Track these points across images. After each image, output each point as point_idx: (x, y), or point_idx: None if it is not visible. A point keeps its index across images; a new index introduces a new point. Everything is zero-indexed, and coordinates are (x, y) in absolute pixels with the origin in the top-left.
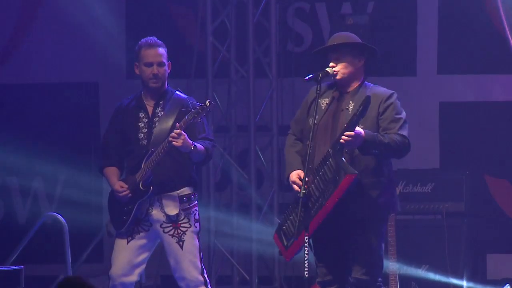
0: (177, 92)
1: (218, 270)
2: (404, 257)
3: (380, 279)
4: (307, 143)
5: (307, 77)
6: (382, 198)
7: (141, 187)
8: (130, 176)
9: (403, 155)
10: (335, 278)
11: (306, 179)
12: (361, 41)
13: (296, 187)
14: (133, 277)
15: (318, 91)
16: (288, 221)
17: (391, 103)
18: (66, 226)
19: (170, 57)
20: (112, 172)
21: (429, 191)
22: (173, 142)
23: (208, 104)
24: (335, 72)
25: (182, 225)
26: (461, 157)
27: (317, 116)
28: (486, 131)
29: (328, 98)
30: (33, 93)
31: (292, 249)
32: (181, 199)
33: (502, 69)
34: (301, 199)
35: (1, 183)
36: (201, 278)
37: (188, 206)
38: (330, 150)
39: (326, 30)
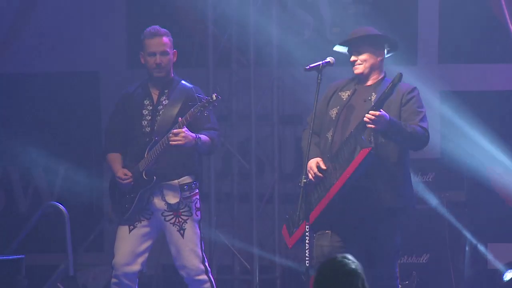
0: (183, 82)
1: (219, 260)
2: (405, 246)
3: (397, 269)
4: (327, 134)
5: (308, 66)
6: (405, 186)
7: (144, 176)
8: (133, 165)
9: (421, 147)
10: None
11: (324, 167)
12: (381, 34)
13: (311, 173)
14: (136, 266)
15: (319, 81)
16: (295, 210)
17: (414, 96)
18: (67, 215)
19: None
20: (115, 158)
21: (430, 180)
22: (172, 143)
23: (214, 98)
24: (355, 66)
25: (183, 213)
26: (462, 146)
27: (337, 107)
28: (488, 120)
29: (349, 91)
30: (33, 82)
31: (294, 237)
32: (181, 188)
33: (503, 58)
34: (302, 188)
35: (2, 173)
36: (202, 267)
37: (189, 195)
38: (352, 131)
39: (327, 20)
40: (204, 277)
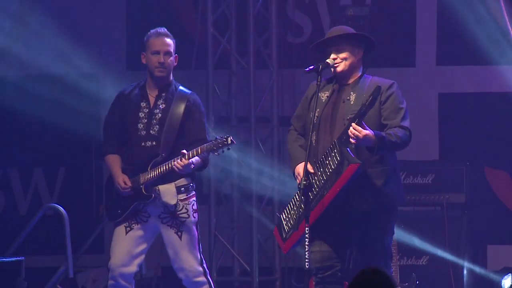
0: (181, 88)
1: (219, 261)
2: (405, 248)
3: (392, 270)
4: (311, 137)
5: (308, 68)
6: (387, 186)
7: (144, 191)
8: (133, 174)
9: (406, 147)
10: (335, 264)
11: (311, 171)
12: (357, 33)
13: (298, 179)
14: (133, 268)
15: (319, 82)
16: (288, 214)
17: (393, 92)
18: (67, 217)
19: None
20: (114, 160)
21: (430, 182)
22: (175, 168)
23: (229, 142)
24: (336, 64)
25: (180, 215)
26: (460, 148)
27: (318, 109)
28: (486, 122)
29: (328, 91)
30: (33, 83)
31: (290, 241)
32: (178, 190)
33: (501, 60)
34: (301, 190)
35: (2, 174)
36: (200, 269)
37: (186, 197)
38: (335, 141)
39: (326, 22)
40: (202, 279)
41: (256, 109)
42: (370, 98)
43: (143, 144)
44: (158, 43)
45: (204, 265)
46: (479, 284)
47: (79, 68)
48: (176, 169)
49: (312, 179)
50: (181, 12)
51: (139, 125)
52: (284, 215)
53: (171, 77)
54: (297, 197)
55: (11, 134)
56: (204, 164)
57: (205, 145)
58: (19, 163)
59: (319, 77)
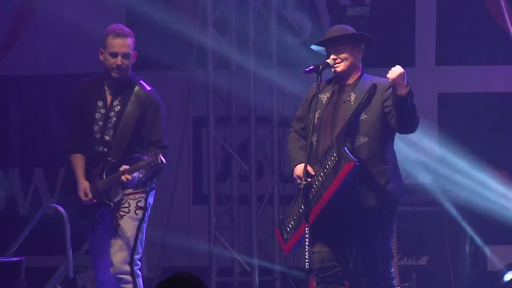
0: (140, 85)
1: (219, 262)
2: (405, 248)
3: (392, 270)
4: (312, 139)
5: (308, 69)
6: (389, 185)
7: (104, 199)
8: (92, 181)
9: (415, 127)
10: (336, 264)
11: (312, 172)
12: (357, 33)
13: (299, 181)
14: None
15: (319, 83)
16: (289, 215)
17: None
18: (67, 217)
19: (171, 48)
20: (78, 162)
21: (429, 182)
22: (122, 179)
23: (159, 162)
24: (336, 64)
25: (121, 209)
26: (460, 148)
27: (318, 111)
28: (486, 122)
29: (328, 93)
30: (34, 84)
31: (291, 242)
32: (124, 185)
33: (501, 60)
34: (301, 190)
35: (2, 174)
36: (127, 268)
37: (132, 192)
38: (333, 141)
39: (325, 22)
40: (127, 277)
41: (256, 109)
42: (366, 96)
43: (96, 147)
44: (117, 44)
45: (135, 267)
46: (480, 284)
47: (79, 68)
48: (123, 179)
49: (312, 180)
50: (181, 12)
51: (95, 127)
52: (285, 216)
53: (130, 74)
54: (297, 197)
55: (11, 134)
56: (154, 172)
57: (138, 164)
58: (19, 163)
59: (319, 77)
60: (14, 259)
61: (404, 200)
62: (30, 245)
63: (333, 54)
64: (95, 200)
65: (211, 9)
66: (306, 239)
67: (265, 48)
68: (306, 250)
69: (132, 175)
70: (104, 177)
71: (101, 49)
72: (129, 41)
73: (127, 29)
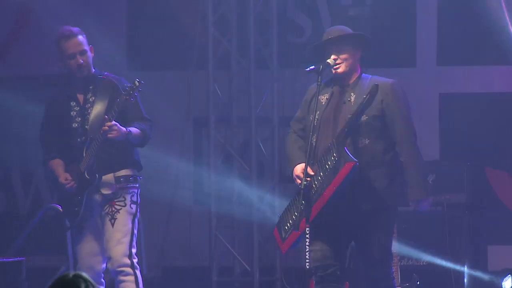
0: (106, 74)
1: (220, 262)
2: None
3: (392, 270)
4: (311, 139)
5: (308, 68)
6: (391, 187)
7: (86, 175)
8: (73, 167)
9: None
10: (334, 263)
11: (311, 172)
12: (357, 33)
13: (298, 181)
14: (99, 266)
15: (319, 83)
16: (288, 214)
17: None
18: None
19: (171, 48)
20: (57, 164)
21: (430, 182)
22: (108, 135)
23: (137, 84)
24: (337, 65)
25: (117, 203)
26: (461, 148)
27: (318, 112)
28: (487, 123)
29: (328, 94)
30: (34, 85)
31: (288, 241)
32: (117, 180)
33: (502, 60)
34: (302, 190)
35: (3, 174)
36: (127, 261)
37: (125, 186)
38: (334, 141)
39: (326, 22)
40: (128, 269)
41: (256, 109)
42: (367, 96)
43: (79, 140)
44: (71, 45)
45: (134, 260)
46: (480, 285)
47: None
48: (108, 135)
49: (311, 180)
50: (182, 12)
51: (73, 124)
52: (284, 215)
53: (93, 69)
54: (296, 197)
55: (11, 134)
56: (144, 134)
57: (117, 100)
58: (20, 163)
59: (320, 77)
60: (15, 259)
61: (406, 203)
62: (31, 245)
63: (333, 55)
64: (78, 183)
65: (212, 9)
66: (307, 239)
67: (265, 48)
68: (307, 250)
69: (118, 125)
70: (84, 155)
71: (59, 57)
72: (80, 38)
73: (75, 28)
